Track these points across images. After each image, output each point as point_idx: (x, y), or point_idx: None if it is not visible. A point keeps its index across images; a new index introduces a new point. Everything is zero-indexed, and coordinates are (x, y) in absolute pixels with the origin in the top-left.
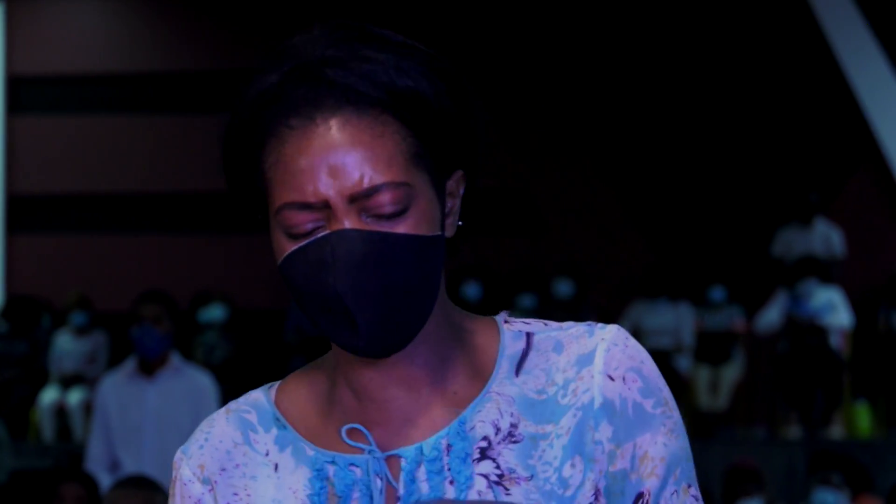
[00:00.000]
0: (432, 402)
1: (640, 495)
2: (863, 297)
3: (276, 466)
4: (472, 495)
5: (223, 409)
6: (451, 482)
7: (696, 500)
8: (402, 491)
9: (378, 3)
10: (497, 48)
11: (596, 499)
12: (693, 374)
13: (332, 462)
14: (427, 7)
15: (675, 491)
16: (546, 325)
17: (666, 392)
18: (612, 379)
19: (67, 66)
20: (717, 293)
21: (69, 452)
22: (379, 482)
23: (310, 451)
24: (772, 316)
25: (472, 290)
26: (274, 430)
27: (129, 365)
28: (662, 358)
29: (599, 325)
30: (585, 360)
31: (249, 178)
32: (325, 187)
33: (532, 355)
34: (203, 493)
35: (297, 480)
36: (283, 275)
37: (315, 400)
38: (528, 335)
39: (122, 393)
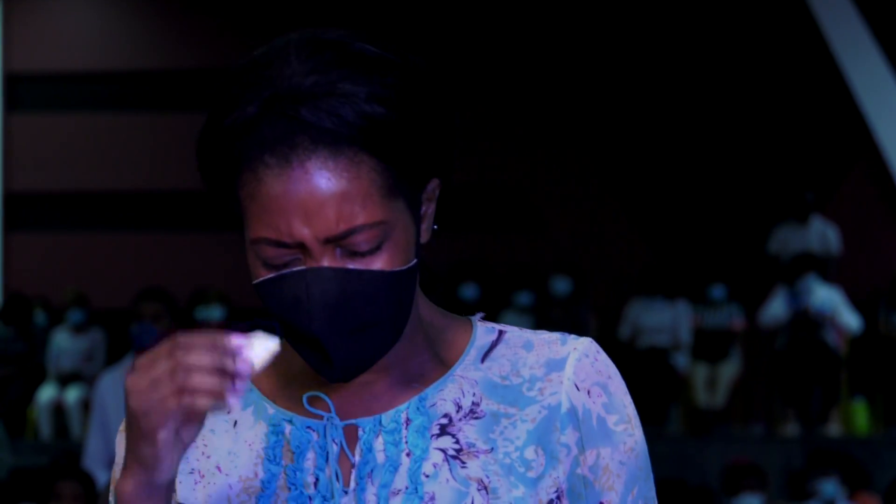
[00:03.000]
0: (396, 383)
1: None
2: (862, 296)
3: (235, 423)
4: (428, 468)
5: None
6: (408, 454)
7: None
8: (357, 459)
9: (377, 2)
10: (496, 45)
11: (559, 498)
12: (691, 371)
13: (290, 421)
14: (426, 5)
15: None
16: (521, 329)
17: (630, 409)
18: (578, 389)
19: (65, 64)
20: (718, 291)
21: (67, 450)
22: (335, 447)
23: (270, 409)
24: (777, 309)
25: (469, 290)
26: None
27: (128, 362)
28: (660, 356)
29: (573, 335)
30: (555, 364)
31: (226, 194)
32: (300, 231)
33: (500, 346)
34: None
35: (254, 434)
36: (258, 294)
37: (284, 363)
38: (501, 331)
39: (121, 390)
